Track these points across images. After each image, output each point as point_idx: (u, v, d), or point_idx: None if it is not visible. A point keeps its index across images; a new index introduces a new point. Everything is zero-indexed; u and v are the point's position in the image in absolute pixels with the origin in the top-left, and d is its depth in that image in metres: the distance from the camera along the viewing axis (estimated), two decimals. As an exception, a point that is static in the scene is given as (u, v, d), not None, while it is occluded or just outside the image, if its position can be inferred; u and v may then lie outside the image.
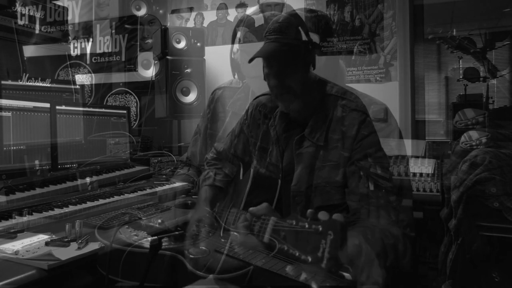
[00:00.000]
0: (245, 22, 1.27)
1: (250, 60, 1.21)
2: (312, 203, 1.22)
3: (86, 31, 3.39)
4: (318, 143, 1.25)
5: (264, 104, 1.32)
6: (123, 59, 2.98)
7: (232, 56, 1.33)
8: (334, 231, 0.90)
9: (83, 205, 1.62)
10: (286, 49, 1.22)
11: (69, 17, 3.39)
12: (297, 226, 0.97)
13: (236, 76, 1.35)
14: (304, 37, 1.28)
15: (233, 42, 1.34)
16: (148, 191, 1.90)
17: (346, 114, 1.27)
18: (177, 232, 1.15)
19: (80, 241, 1.21)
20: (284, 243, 1.01)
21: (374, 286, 0.88)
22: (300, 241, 1.14)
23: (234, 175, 1.33)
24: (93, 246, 1.20)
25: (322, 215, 0.91)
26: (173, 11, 3.35)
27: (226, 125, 1.39)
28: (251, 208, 1.14)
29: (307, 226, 0.94)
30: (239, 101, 1.40)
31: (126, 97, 3.15)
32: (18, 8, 2.80)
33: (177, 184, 1.93)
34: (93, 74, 3.31)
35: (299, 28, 1.27)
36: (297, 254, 0.93)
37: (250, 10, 1.32)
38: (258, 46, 1.22)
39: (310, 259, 0.90)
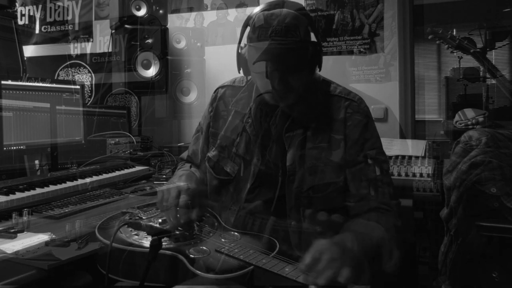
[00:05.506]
0: (254, 19, 1.24)
1: (255, 62, 1.19)
2: (315, 205, 1.21)
3: (86, 31, 3.39)
4: (321, 145, 1.24)
5: (266, 103, 1.31)
6: (123, 59, 2.97)
7: (240, 51, 1.31)
8: (334, 232, 0.90)
9: (83, 205, 1.62)
10: (291, 52, 1.18)
11: (69, 17, 3.40)
12: (297, 227, 0.97)
13: (241, 72, 1.33)
14: (312, 38, 1.25)
15: (241, 38, 1.32)
16: (148, 191, 1.90)
17: (350, 116, 1.26)
18: (177, 232, 1.15)
19: (80, 241, 1.21)
20: (284, 244, 1.01)
21: (366, 286, 0.88)
22: (299, 241, 1.13)
23: (236, 173, 1.33)
24: (93, 246, 1.20)
25: (321, 216, 0.91)
26: (173, 11, 3.34)
27: (229, 123, 1.38)
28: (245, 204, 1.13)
29: (306, 226, 0.94)
30: (242, 99, 1.38)
31: (126, 97, 3.15)
32: (18, 8, 2.80)
33: (178, 183, 1.93)
34: (93, 74, 3.31)
35: (308, 27, 1.23)
36: (297, 254, 0.93)
37: (257, 9, 1.29)
38: (265, 44, 1.20)
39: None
